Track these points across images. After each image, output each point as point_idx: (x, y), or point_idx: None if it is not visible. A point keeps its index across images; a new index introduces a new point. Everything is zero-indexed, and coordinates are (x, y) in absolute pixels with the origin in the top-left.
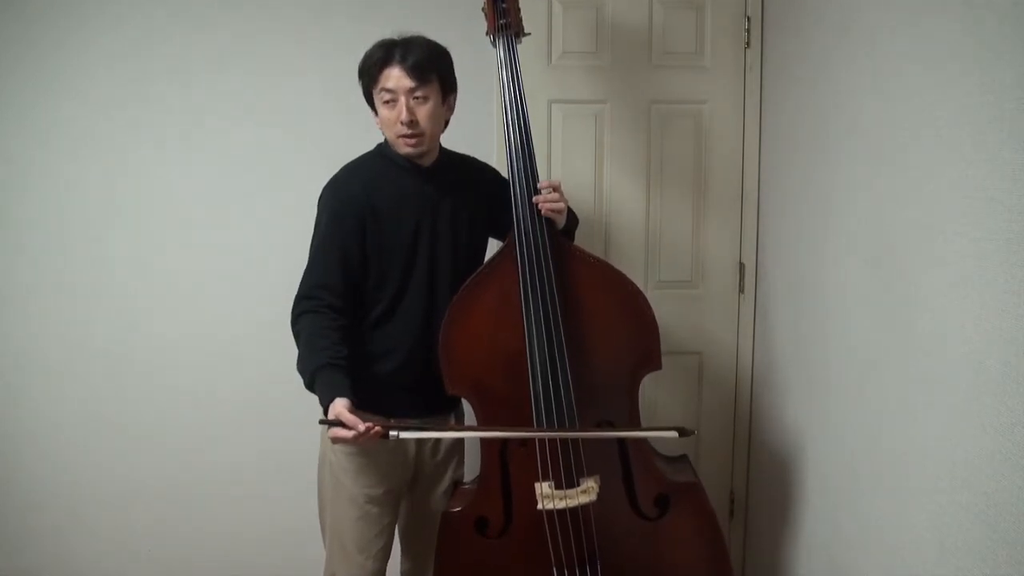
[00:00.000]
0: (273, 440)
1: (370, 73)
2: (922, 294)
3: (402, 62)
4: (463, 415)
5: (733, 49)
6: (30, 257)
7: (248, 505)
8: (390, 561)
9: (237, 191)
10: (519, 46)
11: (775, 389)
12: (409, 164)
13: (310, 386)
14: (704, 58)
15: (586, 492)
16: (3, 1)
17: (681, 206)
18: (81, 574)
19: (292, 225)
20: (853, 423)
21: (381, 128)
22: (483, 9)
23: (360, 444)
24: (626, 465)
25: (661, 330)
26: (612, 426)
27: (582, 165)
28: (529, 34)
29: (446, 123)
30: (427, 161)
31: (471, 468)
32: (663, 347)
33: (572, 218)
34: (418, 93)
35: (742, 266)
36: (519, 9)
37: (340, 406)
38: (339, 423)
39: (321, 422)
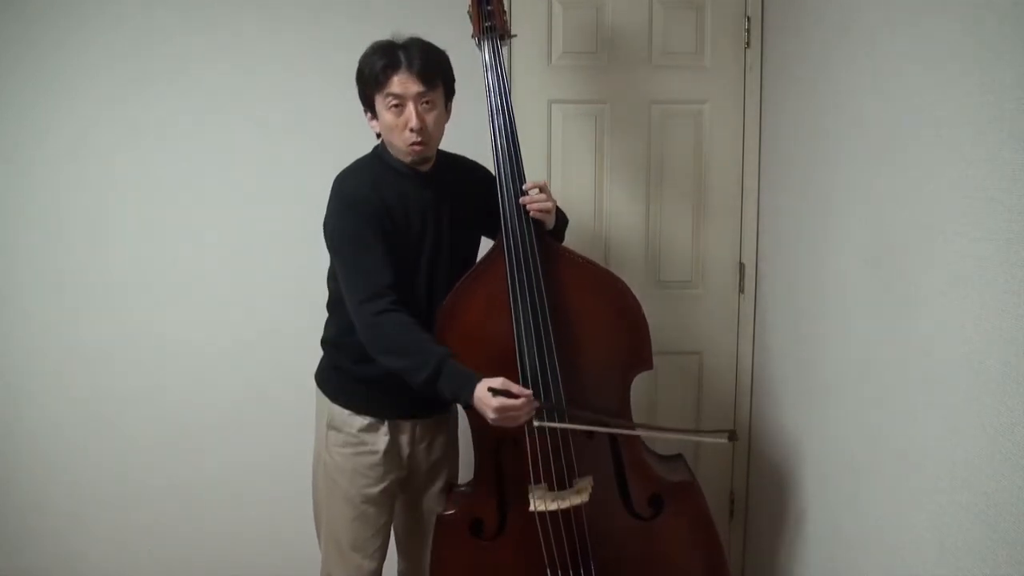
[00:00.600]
0: (273, 440)
1: (376, 78)
2: (922, 294)
3: (410, 67)
4: (456, 414)
5: (733, 49)
6: (30, 257)
7: (248, 505)
8: (386, 561)
9: (237, 191)
10: (513, 47)
11: (775, 389)
12: (409, 170)
13: (432, 380)
14: (704, 58)
15: (579, 493)
16: (3, 1)
17: (681, 206)
18: (81, 574)
19: (293, 225)
20: (853, 423)
21: (382, 133)
22: (468, 12)
23: (519, 420)
24: (619, 465)
25: (661, 330)
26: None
27: (582, 165)
28: (515, 36)
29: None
30: (425, 167)
31: (465, 470)
32: (663, 347)
33: (561, 217)
34: (426, 98)
35: (742, 266)
36: (504, 11)
37: (500, 378)
38: (509, 393)
39: (491, 390)
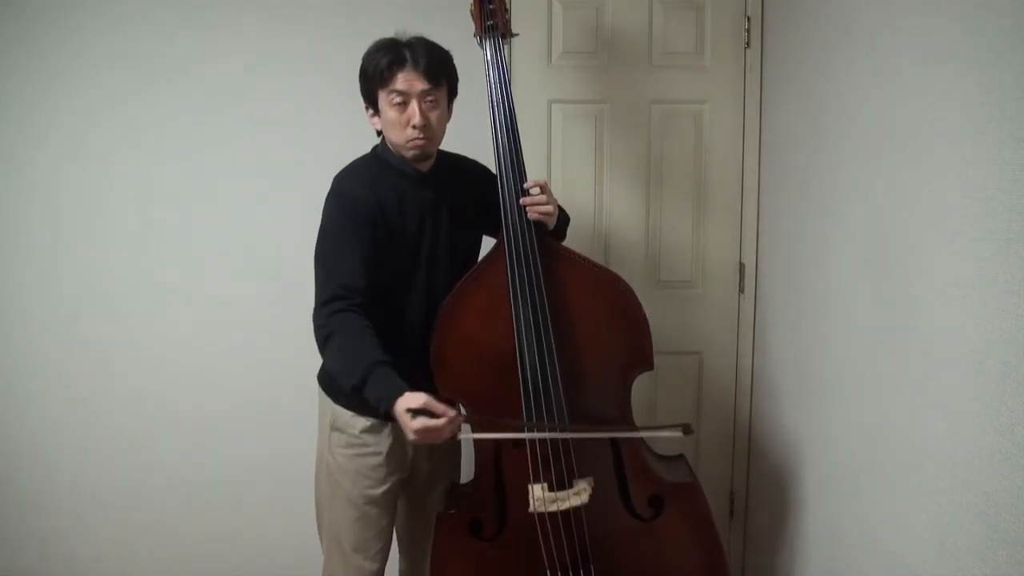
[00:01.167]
0: (273, 440)
1: (381, 75)
2: (922, 294)
3: (415, 65)
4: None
5: (733, 49)
6: (30, 257)
7: (248, 505)
8: (388, 562)
9: (237, 191)
10: (513, 47)
11: (775, 389)
12: (408, 169)
13: (360, 385)
14: (704, 58)
15: (579, 494)
16: (3, 1)
17: (681, 206)
18: (81, 574)
19: (293, 225)
20: (853, 423)
21: (383, 130)
22: (470, 11)
23: (444, 437)
24: (619, 466)
25: (661, 330)
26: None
27: (582, 165)
28: (517, 35)
29: None
30: (425, 166)
31: (467, 469)
32: (663, 347)
33: (562, 217)
34: (430, 96)
35: (742, 266)
36: (506, 10)
37: (422, 396)
38: (427, 412)
39: (409, 411)
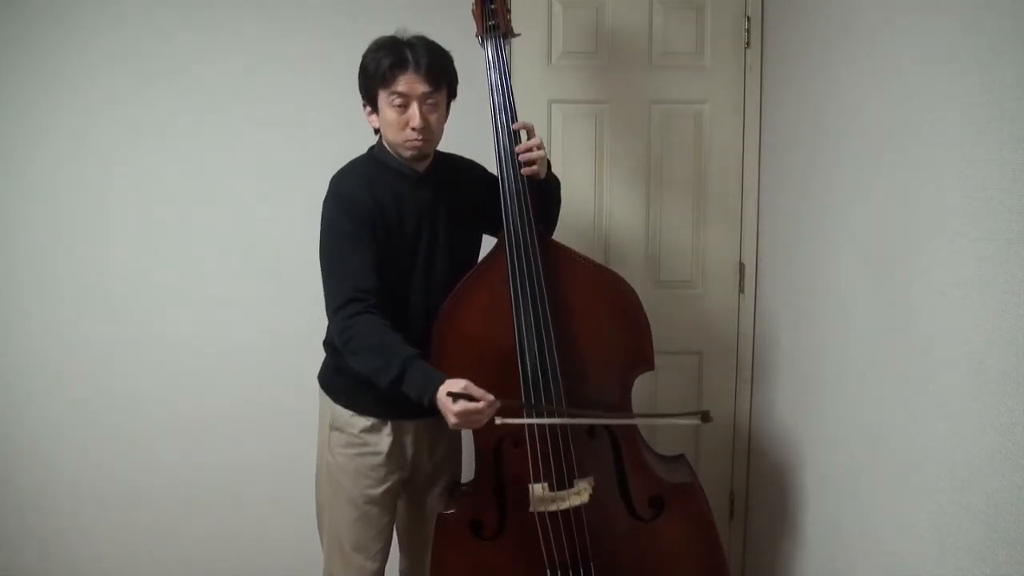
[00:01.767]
0: (273, 440)
1: (382, 76)
2: (922, 294)
3: (417, 67)
4: None
5: (733, 49)
6: (30, 257)
7: (248, 505)
8: (388, 561)
9: (237, 191)
10: (513, 47)
11: (775, 389)
12: (405, 169)
13: (398, 379)
14: (704, 58)
15: (579, 494)
16: (3, 1)
17: (681, 206)
18: (81, 574)
19: (293, 225)
20: (853, 423)
21: (382, 129)
22: (472, 11)
23: (481, 422)
24: (620, 466)
25: (661, 330)
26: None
27: (582, 165)
28: (519, 35)
29: None
30: (422, 166)
31: (468, 469)
32: (663, 347)
33: (553, 178)
34: (431, 99)
35: (742, 266)
36: (508, 10)
37: (462, 381)
38: (467, 397)
39: (449, 394)
